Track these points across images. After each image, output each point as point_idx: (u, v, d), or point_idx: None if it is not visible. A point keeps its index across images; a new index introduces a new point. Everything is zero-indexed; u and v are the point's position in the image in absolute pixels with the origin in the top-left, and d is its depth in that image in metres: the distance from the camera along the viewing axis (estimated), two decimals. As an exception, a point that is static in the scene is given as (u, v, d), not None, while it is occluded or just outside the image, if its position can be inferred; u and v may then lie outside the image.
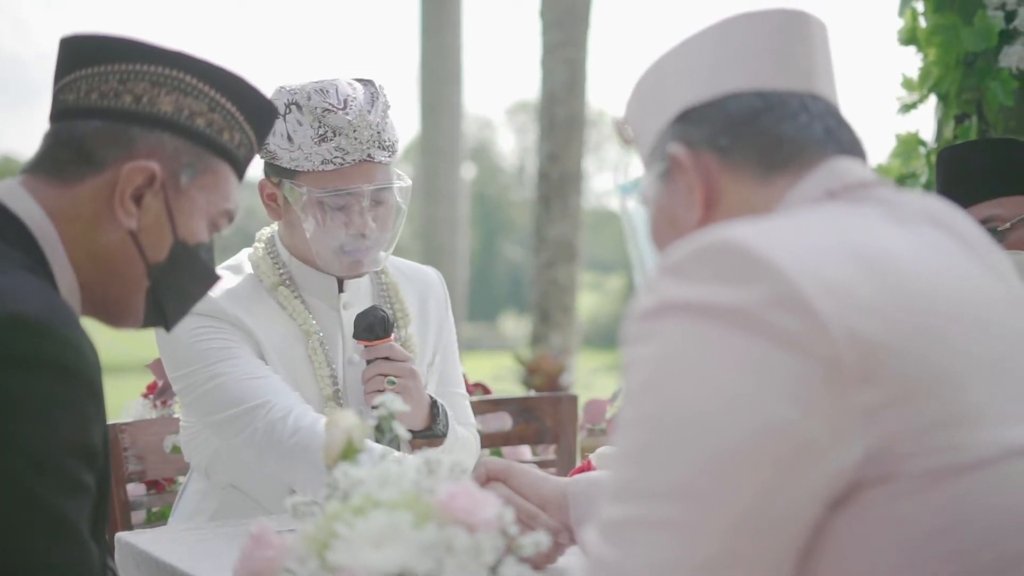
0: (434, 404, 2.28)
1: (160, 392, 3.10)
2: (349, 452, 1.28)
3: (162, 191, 1.51)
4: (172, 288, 1.56)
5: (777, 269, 1.02)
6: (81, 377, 1.32)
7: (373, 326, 2.22)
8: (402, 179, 2.28)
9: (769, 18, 1.26)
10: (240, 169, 1.60)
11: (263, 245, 2.34)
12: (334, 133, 2.17)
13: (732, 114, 1.22)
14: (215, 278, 1.62)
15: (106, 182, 1.49)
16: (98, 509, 1.40)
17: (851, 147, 1.23)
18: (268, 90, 2.23)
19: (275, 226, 2.36)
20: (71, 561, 1.30)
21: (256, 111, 1.59)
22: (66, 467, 1.29)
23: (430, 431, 2.25)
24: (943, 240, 1.14)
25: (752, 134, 1.21)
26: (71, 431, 1.30)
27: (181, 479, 2.75)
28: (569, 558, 1.71)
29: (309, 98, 2.18)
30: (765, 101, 1.22)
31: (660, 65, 1.29)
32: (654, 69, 1.29)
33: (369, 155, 2.20)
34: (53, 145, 1.51)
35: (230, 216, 1.60)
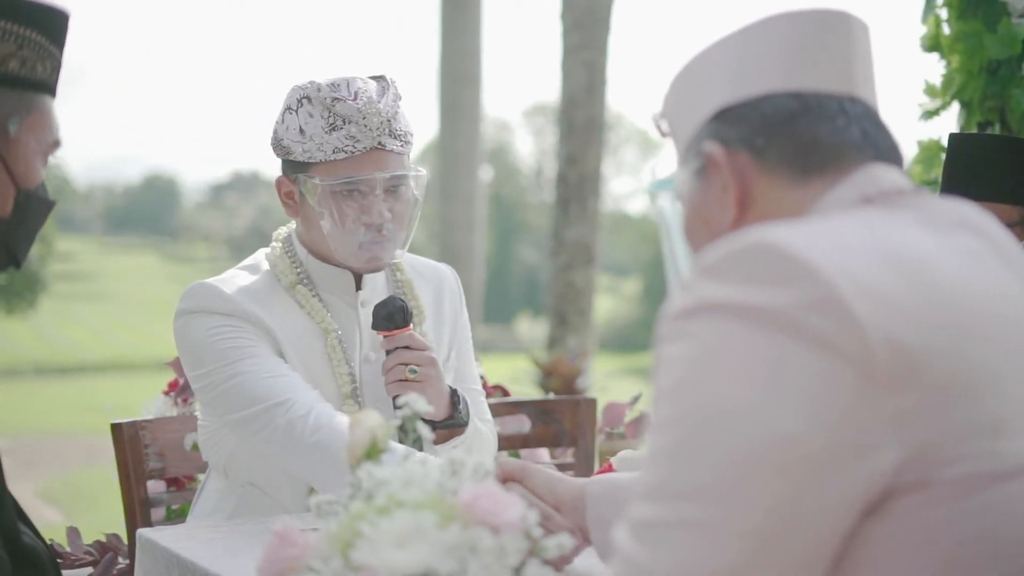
0: (454, 393, 2.28)
1: (181, 390, 3.10)
2: (373, 452, 1.28)
3: None
4: (21, 233, 1.53)
5: (814, 271, 1.02)
6: None
7: (393, 315, 2.22)
8: (417, 169, 2.28)
9: (809, 18, 1.24)
10: (55, 92, 1.54)
11: (280, 244, 2.35)
12: (344, 121, 2.18)
13: (768, 115, 1.20)
14: (52, 204, 1.59)
15: None
16: None
17: (888, 152, 1.22)
18: (285, 91, 2.25)
19: (292, 225, 2.36)
20: None
21: (57, 29, 1.52)
22: None
23: (451, 420, 2.25)
24: (977, 245, 1.14)
25: (788, 136, 1.20)
26: None
27: (201, 476, 2.76)
28: (588, 560, 1.71)
29: (319, 90, 2.20)
30: (802, 103, 1.20)
31: (699, 61, 1.27)
32: (693, 65, 1.28)
33: (380, 143, 2.20)
34: None
35: (59, 145, 1.55)
